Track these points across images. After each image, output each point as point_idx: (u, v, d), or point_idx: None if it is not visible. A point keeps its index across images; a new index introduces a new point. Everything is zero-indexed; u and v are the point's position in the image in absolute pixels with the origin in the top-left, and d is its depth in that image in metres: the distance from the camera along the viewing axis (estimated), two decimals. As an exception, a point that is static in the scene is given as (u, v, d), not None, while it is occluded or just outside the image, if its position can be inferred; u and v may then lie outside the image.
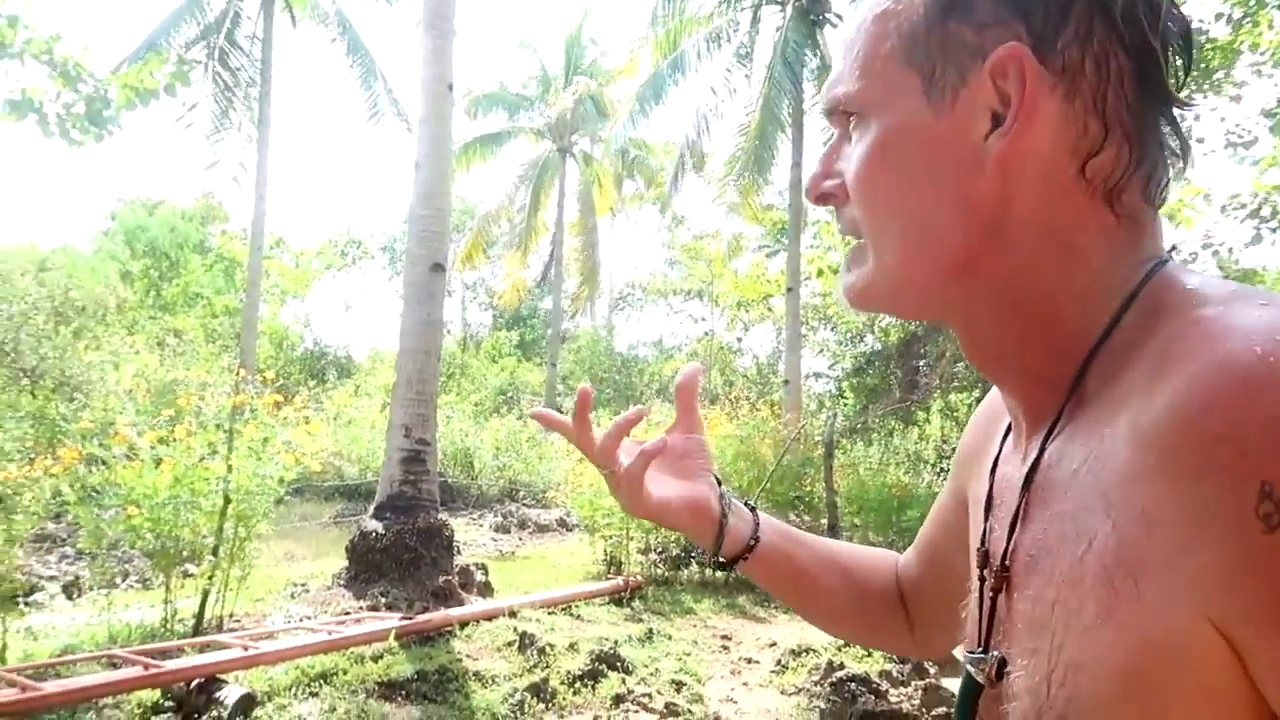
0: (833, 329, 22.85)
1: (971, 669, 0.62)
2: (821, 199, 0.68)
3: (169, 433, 5.69)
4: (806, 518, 10.17)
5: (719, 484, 0.91)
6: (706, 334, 30.23)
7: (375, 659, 4.97)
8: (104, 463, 5.55)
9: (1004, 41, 0.57)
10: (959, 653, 0.71)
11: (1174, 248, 0.63)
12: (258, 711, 4.22)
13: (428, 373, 6.94)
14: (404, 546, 6.52)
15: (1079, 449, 0.55)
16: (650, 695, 4.74)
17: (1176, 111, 0.59)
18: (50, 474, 5.23)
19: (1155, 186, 0.59)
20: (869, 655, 5.74)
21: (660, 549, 8.19)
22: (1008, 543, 0.60)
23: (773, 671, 5.55)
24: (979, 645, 0.62)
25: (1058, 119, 0.57)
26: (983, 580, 0.64)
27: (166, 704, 4.20)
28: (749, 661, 5.85)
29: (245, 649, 4.64)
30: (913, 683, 4.90)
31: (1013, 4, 0.57)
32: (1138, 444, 0.49)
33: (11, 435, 5.13)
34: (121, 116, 6.12)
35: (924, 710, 4.52)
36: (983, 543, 0.66)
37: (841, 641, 5.99)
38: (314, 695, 4.51)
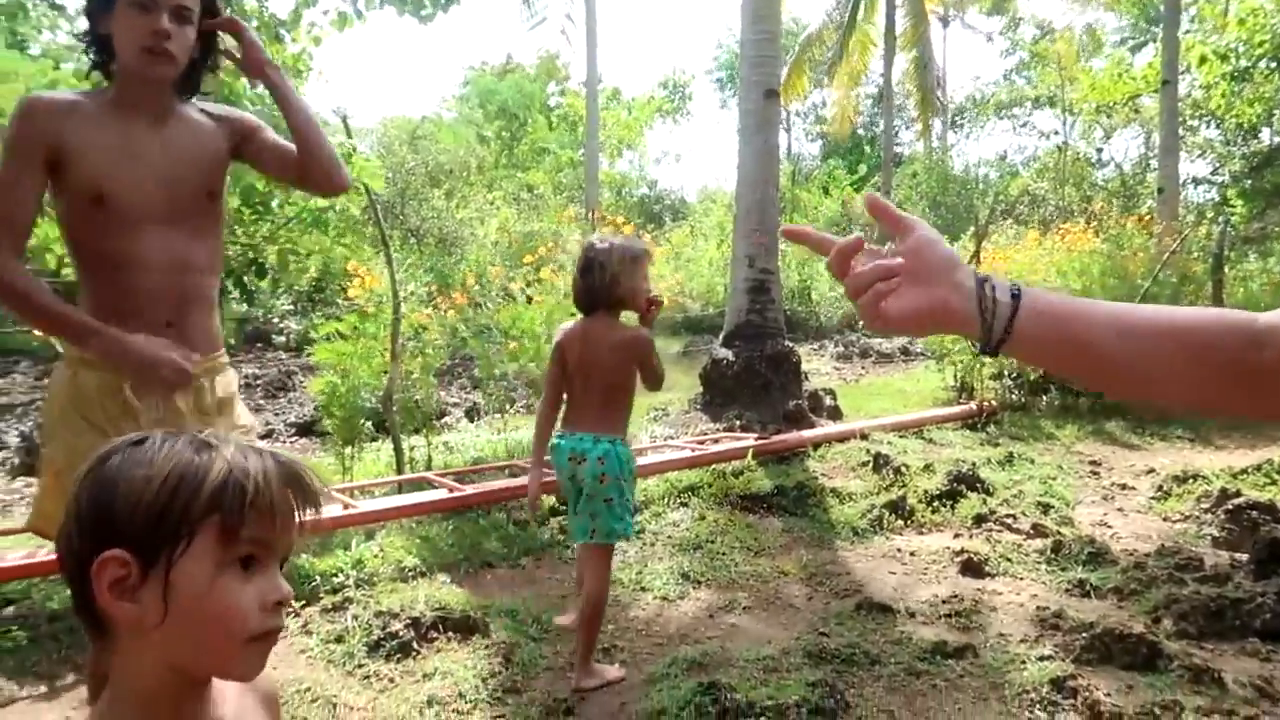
0: (1218, 126, 19.62)
1: None
2: None
3: (537, 275, 6.25)
4: (1188, 339, 9.10)
5: (978, 276, 0.85)
6: (1058, 146, 27.26)
7: (735, 475, 5.26)
8: (485, 305, 6.25)
9: None
10: None
11: None
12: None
13: (768, 202, 6.93)
14: (754, 372, 6.75)
15: None
16: (1014, 516, 4.60)
17: None
18: (449, 314, 5.98)
19: None
20: (1272, 483, 5.14)
21: (1015, 374, 7.77)
22: None
23: (1152, 498, 5.15)
24: None
25: None
26: None
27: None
28: (1123, 488, 5.47)
29: (622, 463, 5.11)
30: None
31: None
32: None
33: (420, 281, 5.90)
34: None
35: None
36: None
37: (1236, 468, 5.40)
38: (684, 505, 4.90)
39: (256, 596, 0.87)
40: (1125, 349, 0.83)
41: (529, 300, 6.15)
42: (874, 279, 0.85)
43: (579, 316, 3.00)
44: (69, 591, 0.87)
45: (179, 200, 2.01)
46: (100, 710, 0.90)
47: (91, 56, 2.04)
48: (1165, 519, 4.78)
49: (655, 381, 2.98)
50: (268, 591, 0.88)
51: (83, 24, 2.05)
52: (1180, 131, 15.74)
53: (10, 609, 3.44)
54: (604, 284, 2.86)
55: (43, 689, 2.95)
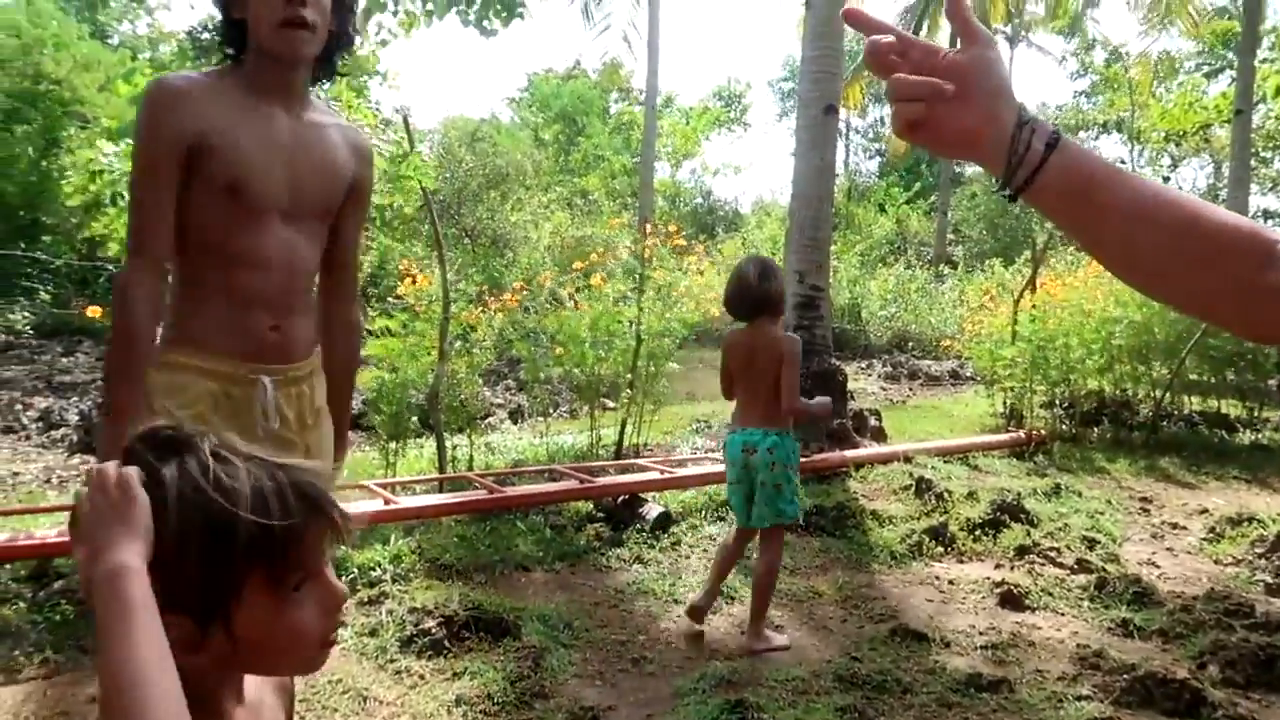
0: (1292, 159, 19.12)
1: None
2: None
3: (586, 281, 6.28)
4: (1250, 377, 8.85)
5: (1022, 109, 0.81)
6: (1124, 173, 26.64)
7: (775, 491, 5.22)
8: (533, 309, 6.30)
9: None
10: None
11: None
12: (674, 528, 4.67)
13: (821, 218, 6.89)
14: (800, 389, 6.69)
15: None
16: (1058, 550, 4.51)
17: None
18: (497, 315, 6.04)
19: None
20: (1333, 531, 4.97)
21: (1067, 403, 7.62)
22: None
23: (1204, 539, 5.00)
24: None
25: None
26: None
27: (598, 514, 4.79)
28: (1173, 527, 5.33)
29: (661, 472, 5.11)
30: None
31: None
32: None
33: (473, 281, 5.97)
34: (528, -1, 6.56)
35: None
36: None
37: (1296, 514, 5.24)
38: (721, 519, 4.88)
39: (317, 610, 0.88)
40: (1145, 238, 0.80)
41: (575, 306, 6.19)
42: (921, 94, 0.80)
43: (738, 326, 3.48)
44: None
45: (303, 198, 1.89)
46: None
47: (226, 50, 1.91)
48: (1216, 561, 4.64)
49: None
50: (326, 599, 0.89)
51: (170, 16, 1.98)
52: (1252, 163, 15.34)
53: (60, 583, 3.54)
54: (772, 293, 3.35)
55: (88, 663, 3.03)
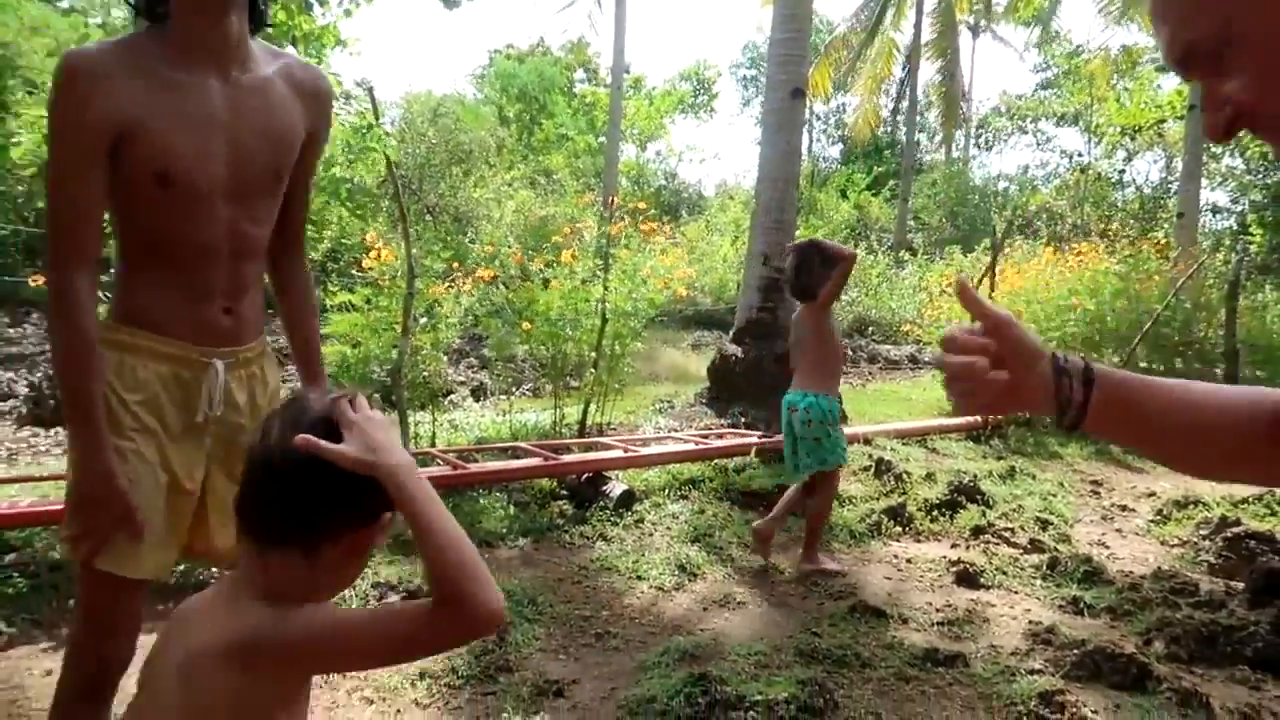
0: (1242, 155, 19.55)
1: None
2: (1229, 134, 0.75)
3: (554, 258, 6.25)
4: (1197, 365, 9.09)
5: (1055, 357, 0.96)
6: (1079, 166, 27.10)
7: (737, 471, 5.28)
8: (503, 284, 6.26)
9: None
10: None
11: None
12: (637, 506, 4.69)
13: (786, 201, 6.93)
14: (762, 370, 6.75)
15: None
16: (1012, 530, 4.61)
17: None
18: (465, 292, 5.99)
19: None
20: (1272, 514, 5.14)
21: (1023, 389, 7.76)
22: None
23: (1151, 521, 5.16)
24: None
25: None
26: None
27: (561, 491, 4.80)
28: (1122, 509, 5.48)
29: (625, 451, 5.13)
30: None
31: None
32: None
33: (439, 258, 5.91)
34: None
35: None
36: None
37: (1237, 497, 5.40)
38: (684, 497, 4.92)
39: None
40: (1187, 440, 0.97)
41: (546, 284, 6.15)
42: (974, 379, 0.93)
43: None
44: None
45: (246, 177, 1.71)
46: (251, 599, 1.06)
47: (146, 7, 1.67)
48: (1163, 543, 4.78)
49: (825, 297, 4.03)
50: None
51: None
52: (1203, 158, 15.68)
53: (12, 555, 3.47)
54: (806, 286, 4.02)
55: (40, 635, 2.99)
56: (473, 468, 4.57)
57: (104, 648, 1.67)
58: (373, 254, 5.53)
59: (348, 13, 5.93)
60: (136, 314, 1.71)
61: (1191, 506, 5.13)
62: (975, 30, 27.57)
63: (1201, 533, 4.66)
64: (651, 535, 4.40)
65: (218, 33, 1.65)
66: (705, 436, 5.89)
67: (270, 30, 5.12)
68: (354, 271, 7.03)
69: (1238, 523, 4.57)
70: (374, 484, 1.04)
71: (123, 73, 1.57)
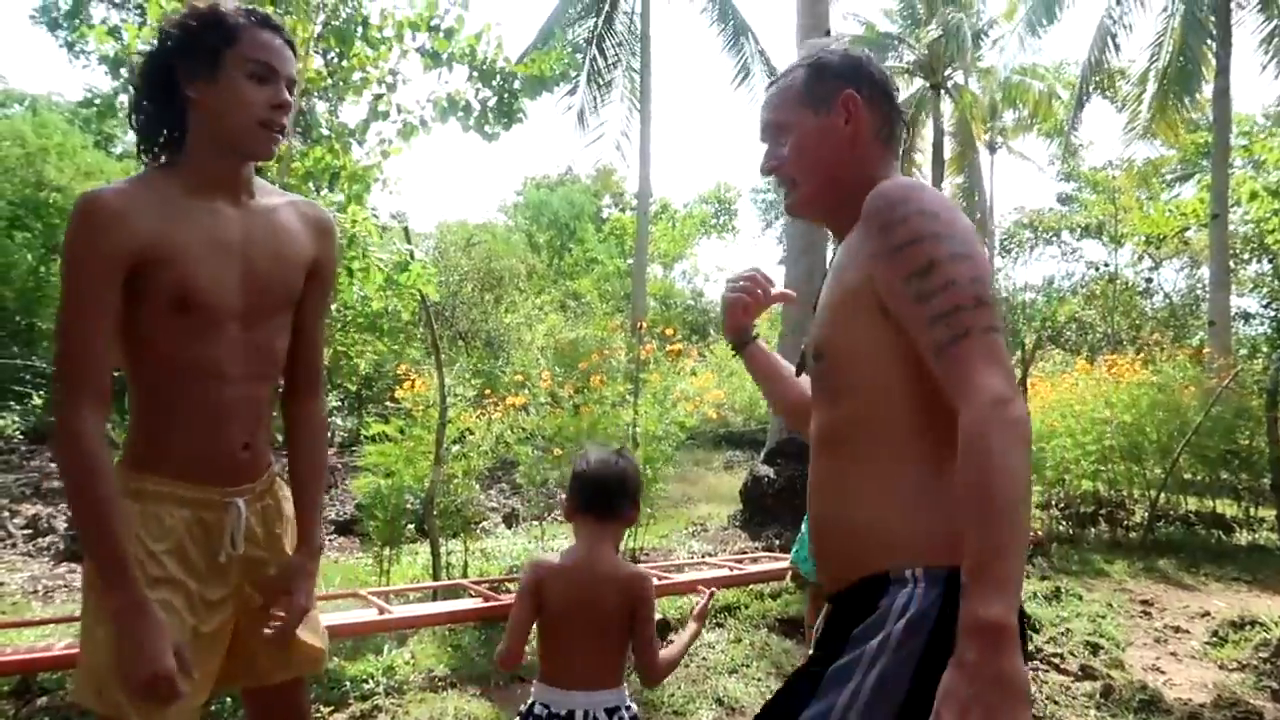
0: (1270, 260, 19.53)
1: None
2: (771, 174, 1.58)
3: (584, 383, 6.32)
4: (1243, 475, 8.86)
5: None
6: (1105, 275, 27.14)
7: (774, 596, 5.16)
8: (531, 410, 6.32)
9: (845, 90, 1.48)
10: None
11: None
12: (671, 635, 4.58)
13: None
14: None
15: (848, 240, 1.45)
16: (1061, 656, 4.45)
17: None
18: (496, 419, 6.05)
19: (895, 143, 1.52)
20: (1336, 635, 4.91)
21: (1063, 504, 7.60)
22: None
23: (1207, 643, 4.94)
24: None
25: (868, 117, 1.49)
26: None
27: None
28: (1176, 630, 5.27)
29: (659, 578, 5.05)
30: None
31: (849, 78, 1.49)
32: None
33: (470, 385, 5.99)
34: (524, 104, 6.72)
35: None
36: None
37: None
38: (720, 625, 4.80)
39: None
40: (781, 393, 1.88)
41: (576, 409, 6.20)
42: (747, 288, 1.86)
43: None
44: None
45: (261, 297, 1.73)
46: None
47: (136, 125, 1.72)
48: (1221, 666, 4.58)
49: None
50: None
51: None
52: (1231, 264, 15.70)
53: (44, 699, 3.44)
54: None
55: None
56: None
57: None
58: (406, 385, 5.63)
59: (386, 154, 6.20)
60: (156, 460, 1.69)
61: (1249, 627, 4.92)
62: (993, 147, 28.21)
63: (1261, 654, 4.47)
64: (688, 666, 4.28)
65: (239, 170, 1.74)
66: (739, 561, 5.79)
67: (313, 169, 5.38)
68: (387, 402, 7.13)
69: (1300, 644, 4.39)
70: None
71: (139, 203, 1.60)
